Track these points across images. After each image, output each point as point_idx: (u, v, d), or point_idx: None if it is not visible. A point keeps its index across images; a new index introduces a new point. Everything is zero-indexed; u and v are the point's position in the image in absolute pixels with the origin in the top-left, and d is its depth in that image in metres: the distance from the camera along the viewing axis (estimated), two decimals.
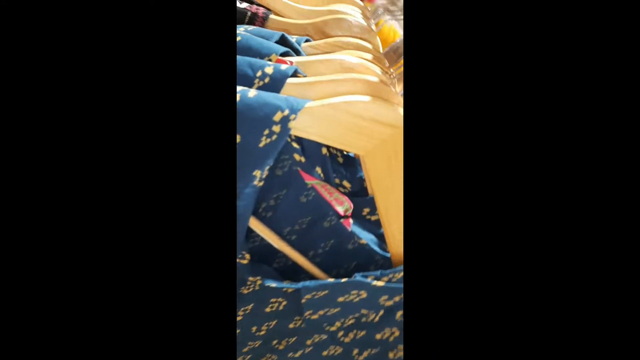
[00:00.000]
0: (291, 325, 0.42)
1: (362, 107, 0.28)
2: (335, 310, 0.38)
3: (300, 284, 0.34)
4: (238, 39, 0.35)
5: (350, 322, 0.40)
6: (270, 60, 0.34)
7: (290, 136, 0.32)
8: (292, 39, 0.43)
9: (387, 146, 0.29)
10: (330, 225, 0.35)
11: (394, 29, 0.63)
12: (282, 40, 0.40)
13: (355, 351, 0.44)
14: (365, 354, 0.44)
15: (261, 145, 0.29)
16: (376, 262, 0.37)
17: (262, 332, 0.39)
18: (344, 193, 0.37)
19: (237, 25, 0.40)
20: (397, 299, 0.36)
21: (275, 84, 0.30)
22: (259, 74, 0.31)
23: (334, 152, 0.37)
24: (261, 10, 0.50)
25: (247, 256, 0.34)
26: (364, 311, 0.38)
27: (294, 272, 0.39)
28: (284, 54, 0.33)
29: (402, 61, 0.41)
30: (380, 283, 0.34)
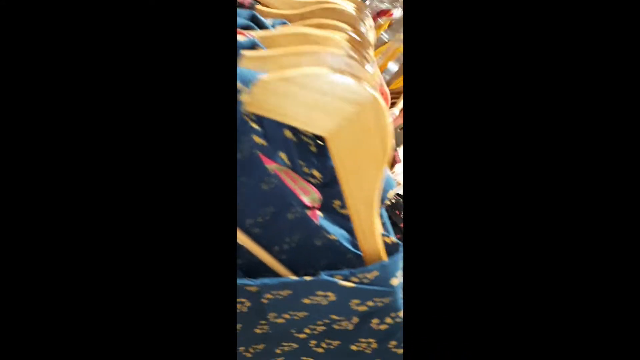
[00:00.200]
0: (257, 331, 0.38)
1: (323, 81, 0.25)
2: (303, 314, 0.34)
3: (259, 281, 0.31)
4: None
5: (321, 328, 0.36)
6: None
7: (248, 115, 0.29)
8: (269, 21, 0.40)
9: (354, 127, 0.26)
10: (294, 217, 0.32)
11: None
12: (254, 20, 0.37)
13: None
14: None
15: None
16: (348, 260, 0.34)
17: None
18: (315, 185, 0.34)
19: None
20: (370, 303, 0.33)
21: None
22: None
23: (306, 139, 0.34)
24: (247, 0, 0.48)
25: None
26: (334, 316, 0.34)
27: (258, 271, 0.35)
28: (244, 27, 0.30)
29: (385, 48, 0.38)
30: (349, 284, 0.31)
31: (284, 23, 0.41)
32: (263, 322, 0.37)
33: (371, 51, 0.37)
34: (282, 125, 0.30)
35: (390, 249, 0.32)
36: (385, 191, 0.40)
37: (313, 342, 0.38)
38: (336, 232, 0.33)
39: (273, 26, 0.40)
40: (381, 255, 0.31)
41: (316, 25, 0.38)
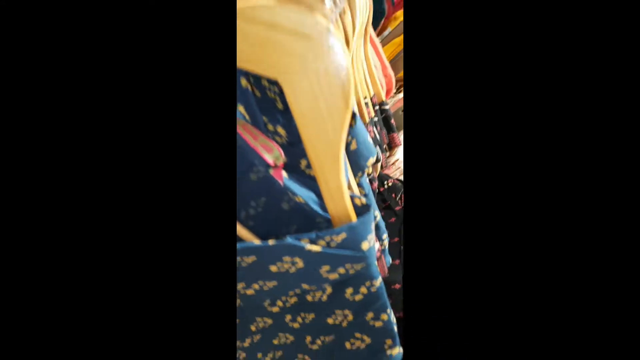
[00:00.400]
0: None
1: (270, 13, 0.22)
2: (272, 284, 0.32)
3: None
4: None
5: (294, 300, 0.34)
6: None
7: None
8: None
9: (308, 65, 0.23)
10: (257, 178, 0.29)
11: None
12: None
13: (308, 339, 0.38)
14: (318, 342, 0.38)
15: None
16: (318, 225, 0.31)
17: None
18: (280, 144, 0.31)
19: None
20: (341, 270, 0.30)
21: None
22: None
23: (271, 95, 0.31)
24: None
25: None
26: (305, 286, 0.32)
27: None
28: None
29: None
30: (316, 248, 0.28)
31: None
32: None
33: None
34: (238, 73, 0.28)
35: (360, 211, 0.29)
36: (364, 157, 0.38)
37: (288, 316, 0.36)
38: (303, 194, 0.30)
39: None
40: (350, 217, 0.29)
41: None
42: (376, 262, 0.31)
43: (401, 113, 1.20)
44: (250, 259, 0.30)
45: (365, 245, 0.29)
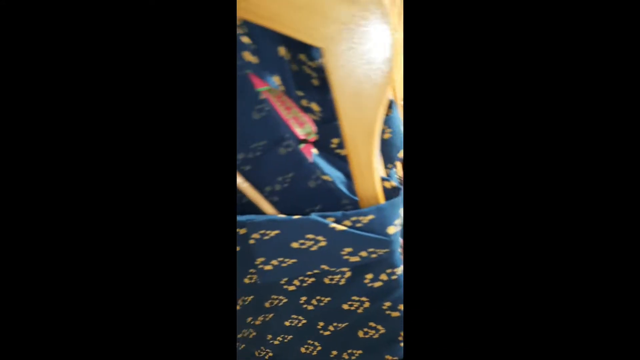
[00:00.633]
0: (246, 280, 0.36)
1: None
2: (291, 261, 0.31)
3: (245, 217, 0.28)
4: None
5: (311, 280, 0.34)
6: None
7: (241, 26, 0.26)
8: None
9: (352, 34, 0.22)
10: (286, 152, 0.29)
11: None
12: None
13: (321, 324, 0.38)
14: (330, 328, 0.37)
15: None
16: (344, 206, 0.31)
17: None
18: (314, 121, 0.31)
19: None
20: (363, 254, 0.30)
21: None
22: None
23: (308, 70, 0.31)
24: None
25: None
26: (324, 267, 0.31)
27: (246, 213, 0.33)
28: None
29: None
30: (341, 227, 0.28)
31: None
32: (252, 270, 0.34)
33: None
34: (276, 42, 0.28)
35: (390, 194, 0.28)
36: (396, 148, 0.37)
37: (303, 297, 0.36)
38: (332, 173, 0.30)
39: None
40: (379, 199, 0.28)
41: None
42: (400, 250, 0.30)
43: None
44: (274, 232, 0.29)
45: (391, 230, 0.28)
